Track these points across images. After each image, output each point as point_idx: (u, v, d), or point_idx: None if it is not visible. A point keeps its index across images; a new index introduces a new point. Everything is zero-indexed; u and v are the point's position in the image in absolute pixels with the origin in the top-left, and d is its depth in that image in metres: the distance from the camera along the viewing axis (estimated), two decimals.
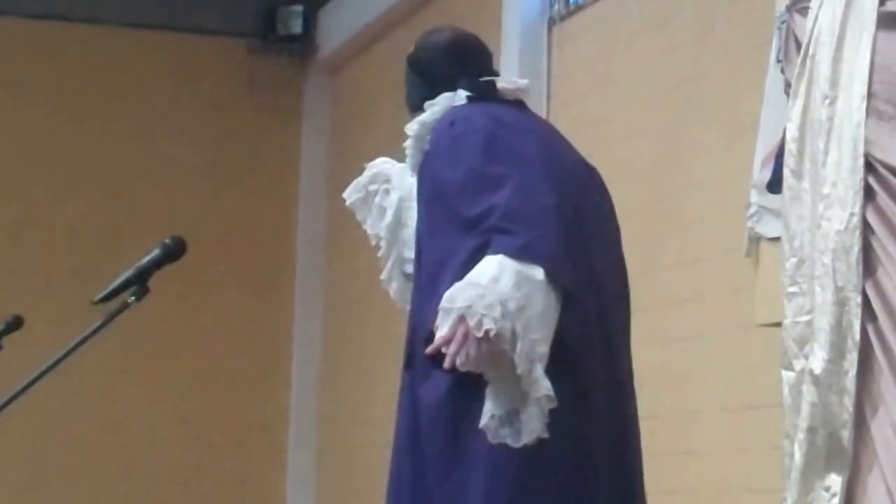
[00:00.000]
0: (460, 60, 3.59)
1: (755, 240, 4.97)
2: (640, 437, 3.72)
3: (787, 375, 3.31)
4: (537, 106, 7.60)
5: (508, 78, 3.64)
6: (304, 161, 10.54)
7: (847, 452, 3.15)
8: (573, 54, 7.45)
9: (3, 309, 5.75)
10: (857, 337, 3.13)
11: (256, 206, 10.27)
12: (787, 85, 3.45)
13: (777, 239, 4.03)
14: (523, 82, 3.63)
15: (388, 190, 3.68)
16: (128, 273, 3.33)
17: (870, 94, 3.17)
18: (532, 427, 3.18)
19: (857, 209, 3.15)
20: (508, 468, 3.29)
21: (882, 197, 3.14)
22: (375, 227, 3.74)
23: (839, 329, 3.16)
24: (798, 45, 3.40)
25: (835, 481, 3.18)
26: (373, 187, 3.73)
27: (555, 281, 3.23)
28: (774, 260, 4.26)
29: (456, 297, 3.15)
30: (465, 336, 3.13)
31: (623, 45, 7.01)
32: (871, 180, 3.16)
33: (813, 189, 3.26)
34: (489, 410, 3.19)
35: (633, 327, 6.58)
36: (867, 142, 3.16)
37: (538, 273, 3.19)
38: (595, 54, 7.24)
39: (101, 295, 3.32)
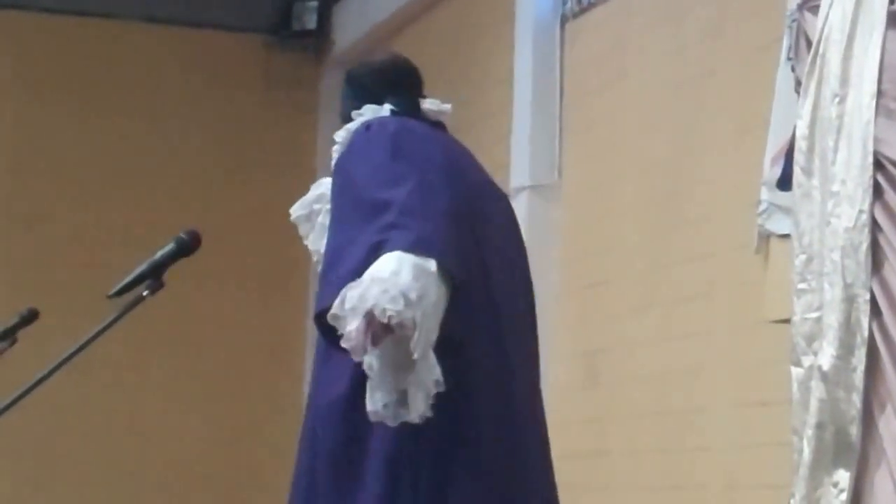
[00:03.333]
0: (391, 80, 3.86)
1: (765, 236, 4.99)
2: (545, 432, 3.91)
3: (796, 372, 3.33)
4: (550, 101, 7.63)
5: (433, 101, 3.88)
6: (318, 156, 10.55)
7: (855, 448, 3.17)
8: (585, 51, 7.46)
9: (19, 302, 5.78)
10: (866, 333, 3.15)
11: (271, 201, 10.27)
12: (798, 83, 3.47)
13: (787, 236, 4.05)
14: (446, 107, 3.88)
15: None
16: (142, 267, 3.34)
17: (879, 93, 3.19)
18: (418, 406, 3.39)
19: (865, 206, 3.17)
20: (392, 447, 3.52)
21: (890, 194, 3.16)
22: (316, 243, 3.97)
23: (848, 326, 3.18)
24: (809, 43, 3.42)
25: (843, 477, 3.20)
26: (317, 206, 3.96)
27: (445, 273, 3.42)
28: (784, 257, 4.28)
29: (366, 296, 3.31)
30: (369, 325, 3.32)
31: (635, 41, 7.02)
32: (880, 178, 3.18)
33: (822, 186, 3.28)
34: (380, 400, 3.40)
35: (643, 323, 6.62)
36: (876, 140, 3.18)
37: (431, 265, 3.39)
38: (607, 51, 7.26)
39: (115, 289, 3.33)
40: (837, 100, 3.25)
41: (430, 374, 3.37)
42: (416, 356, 3.32)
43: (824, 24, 3.33)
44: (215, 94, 10.38)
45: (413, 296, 3.31)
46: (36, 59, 10.23)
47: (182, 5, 10.42)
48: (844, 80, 3.25)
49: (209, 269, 9.10)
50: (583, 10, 7.48)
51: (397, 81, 3.86)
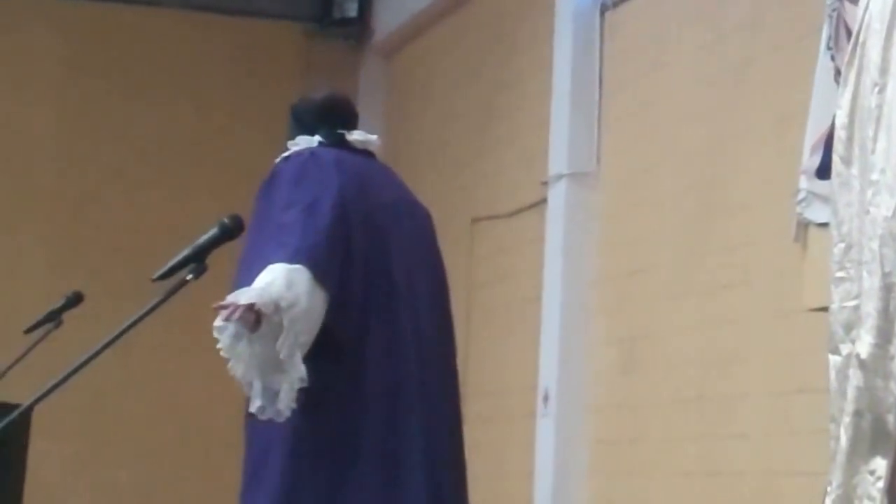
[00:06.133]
0: (326, 115, 4.42)
1: (804, 225, 4.99)
2: (453, 422, 4.36)
3: (834, 360, 3.33)
4: (589, 90, 7.64)
5: (361, 133, 4.46)
6: None
7: (892, 436, 3.18)
8: (625, 41, 7.47)
9: (64, 285, 5.85)
10: None
11: None
12: (837, 72, 3.47)
13: (825, 224, 4.06)
14: (373, 138, 4.47)
15: None
16: (186, 251, 3.36)
17: None
18: (285, 400, 3.96)
19: None
20: (286, 441, 4.14)
21: None
22: None
23: (886, 314, 3.18)
24: (849, 32, 3.43)
25: (880, 464, 3.21)
26: None
27: (321, 282, 4.00)
28: (822, 245, 4.29)
29: (239, 298, 3.92)
30: (237, 307, 3.92)
31: (674, 31, 7.03)
32: None
33: (861, 175, 3.28)
34: (257, 403, 4.00)
35: (681, 310, 6.63)
36: None
37: (305, 275, 3.97)
38: (646, 41, 7.27)
39: (160, 272, 3.35)
40: (877, 89, 3.25)
41: (296, 372, 3.92)
42: (282, 356, 3.91)
43: (865, 14, 3.33)
44: (256, 82, 10.44)
45: (284, 303, 3.90)
46: (82, 46, 10.31)
47: None
48: (884, 70, 3.25)
49: None
50: (622, 0, 7.49)
51: (330, 116, 4.43)
